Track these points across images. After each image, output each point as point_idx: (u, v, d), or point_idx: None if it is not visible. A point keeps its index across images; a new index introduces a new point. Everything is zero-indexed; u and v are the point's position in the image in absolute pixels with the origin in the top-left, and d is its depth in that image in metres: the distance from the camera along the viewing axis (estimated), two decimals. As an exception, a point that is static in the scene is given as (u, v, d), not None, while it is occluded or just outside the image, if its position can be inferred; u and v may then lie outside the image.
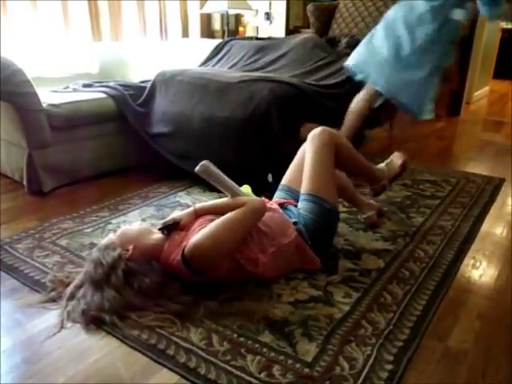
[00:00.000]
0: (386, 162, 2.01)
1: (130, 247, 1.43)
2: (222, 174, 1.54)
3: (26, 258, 1.69)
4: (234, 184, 1.57)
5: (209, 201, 1.65)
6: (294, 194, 1.77)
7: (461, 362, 1.23)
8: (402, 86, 2.35)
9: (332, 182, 1.70)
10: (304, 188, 1.69)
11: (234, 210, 1.45)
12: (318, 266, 1.60)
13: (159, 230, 1.52)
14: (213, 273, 1.43)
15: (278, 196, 1.82)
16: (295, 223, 1.61)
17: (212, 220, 1.46)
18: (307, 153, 1.73)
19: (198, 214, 1.56)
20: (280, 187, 1.85)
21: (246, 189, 1.74)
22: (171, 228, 1.51)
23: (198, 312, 1.35)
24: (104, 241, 1.49)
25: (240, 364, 1.18)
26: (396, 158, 2.02)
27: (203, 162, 1.50)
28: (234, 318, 1.34)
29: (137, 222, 1.58)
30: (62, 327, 1.32)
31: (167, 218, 1.56)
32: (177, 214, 1.59)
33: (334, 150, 1.71)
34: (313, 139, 1.73)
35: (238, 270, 1.46)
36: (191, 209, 1.58)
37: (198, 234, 1.40)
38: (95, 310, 1.33)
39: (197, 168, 1.50)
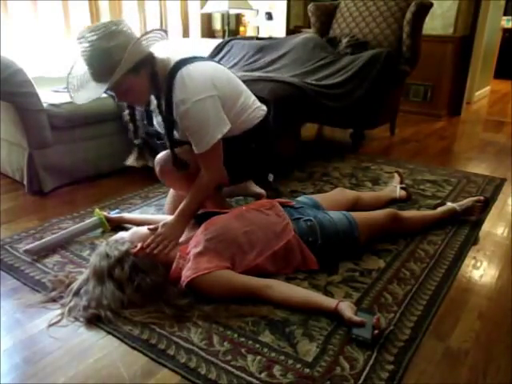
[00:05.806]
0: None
1: (139, 244, 1.45)
2: (49, 238, 1.75)
3: (27, 257, 1.68)
4: (69, 229, 1.81)
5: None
6: (314, 205, 1.81)
7: (461, 362, 1.23)
8: None
9: (372, 235, 1.76)
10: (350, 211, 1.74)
11: None
12: (315, 265, 1.60)
13: None
14: None
15: (298, 199, 1.86)
16: (309, 220, 1.63)
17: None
18: (376, 212, 1.81)
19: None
20: (306, 196, 1.91)
21: (96, 214, 1.89)
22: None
23: (192, 315, 1.34)
24: (114, 236, 1.53)
25: (240, 364, 1.18)
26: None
27: (24, 249, 1.69)
28: (230, 321, 1.33)
29: (148, 227, 1.58)
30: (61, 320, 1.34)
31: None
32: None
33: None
34: (390, 215, 1.80)
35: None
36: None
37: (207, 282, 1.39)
38: (94, 306, 1.33)
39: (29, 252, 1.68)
